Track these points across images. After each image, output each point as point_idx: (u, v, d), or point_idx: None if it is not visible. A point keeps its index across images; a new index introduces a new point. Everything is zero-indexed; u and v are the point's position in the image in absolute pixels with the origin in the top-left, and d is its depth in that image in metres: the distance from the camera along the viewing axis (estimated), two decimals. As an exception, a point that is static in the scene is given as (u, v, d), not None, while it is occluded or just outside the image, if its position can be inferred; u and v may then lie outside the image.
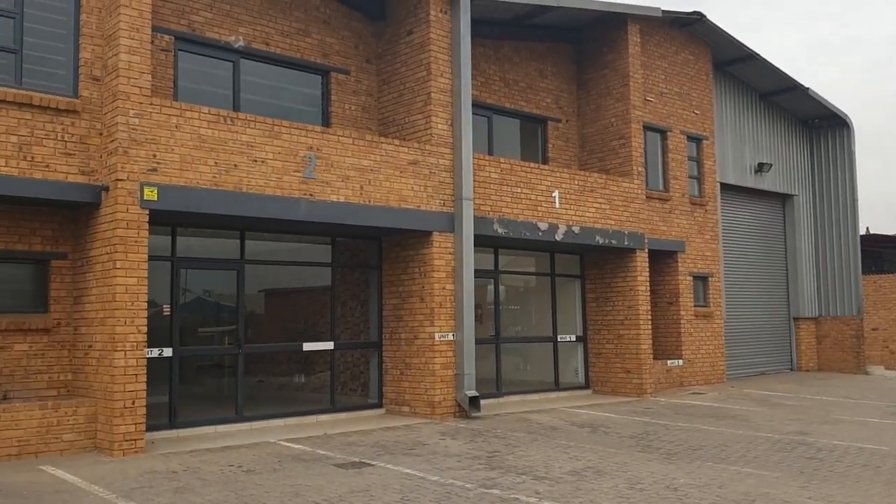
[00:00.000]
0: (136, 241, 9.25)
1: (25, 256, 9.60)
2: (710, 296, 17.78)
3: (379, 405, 12.64)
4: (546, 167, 14.16)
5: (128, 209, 9.22)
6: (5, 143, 8.94)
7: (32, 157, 9.11)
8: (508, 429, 11.08)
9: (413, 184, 11.90)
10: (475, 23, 12.98)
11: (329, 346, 12.37)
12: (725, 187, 18.93)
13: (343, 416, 12.12)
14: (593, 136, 15.90)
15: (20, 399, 9.25)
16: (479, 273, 12.81)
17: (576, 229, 14.10)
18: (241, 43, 11.61)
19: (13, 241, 9.48)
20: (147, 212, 9.37)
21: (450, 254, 12.23)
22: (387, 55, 13.02)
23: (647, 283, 15.27)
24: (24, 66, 9.28)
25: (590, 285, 15.85)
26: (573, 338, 15.73)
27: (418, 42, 12.44)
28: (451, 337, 12.09)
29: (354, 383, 13.19)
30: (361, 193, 11.28)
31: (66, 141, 9.37)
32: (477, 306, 12.66)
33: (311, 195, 10.76)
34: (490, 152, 14.48)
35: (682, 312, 16.98)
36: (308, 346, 12.33)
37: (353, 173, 11.22)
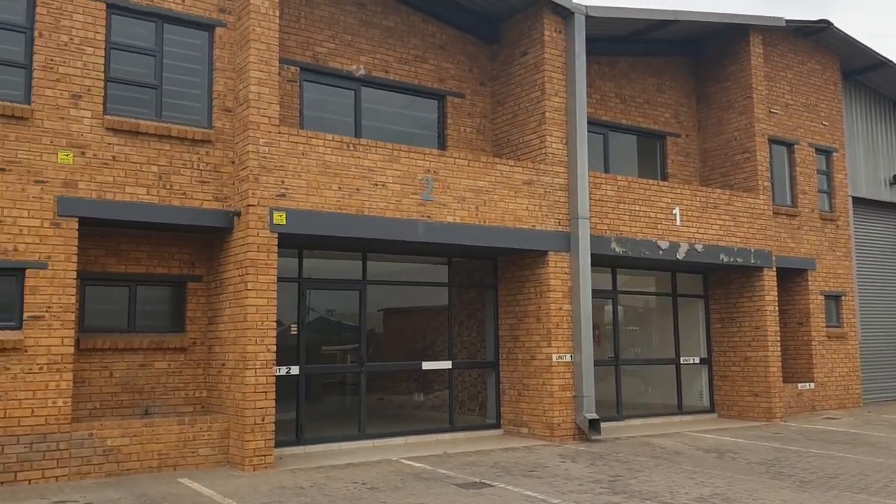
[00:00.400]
0: (266, 264, 9.67)
1: (165, 279, 10.22)
2: (844, 315, 16.81)
3: (497, 425, 12.63)
4: (665, 184, 13.84)
5: (258, 233, 9.66)
6: (147, 173, 9.57)
7: (171, 186, 9.71)
8: (630, 453, 10.82)
9: (528, 203, 11.90)
10: (590, 40, 12.90)
11: (447, 365, 12.49)
12: (858, 201, 17.92)
13: (461, 435, 12.18)
14: (715, 151, 15.44)
15: (160, 414, 9.81)
16: (596, 293, 12.63)
17: (698, 247, 13.69)
18: (362, 71, 12.00)
19: (154, 265, 10.11)
20: (276, 235, 9.80)
21: (566, 273, 12.12)
22: (501, 76, 13.13)
23: (776, 303, 14.62)
24: (163, 101, 9.91)
25: (714, 305, 15.32)
26: (696, 360, 15.22)
27: (532, 62, 12.47)
28: (568, 358, 11.96)
29: (472, 403, 13.24)
30: (477, 214, 11.38)
31: (201, 169, 9.93)
32: (594, 327, 12.46)
33: (428, 217, 10.95)
34: (606, 170, 14.30)
35: (814, 333, 16.13)
36: (427, 365, 12.49)
37: (468, 194, 11.34)
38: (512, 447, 11.24)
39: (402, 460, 10.14)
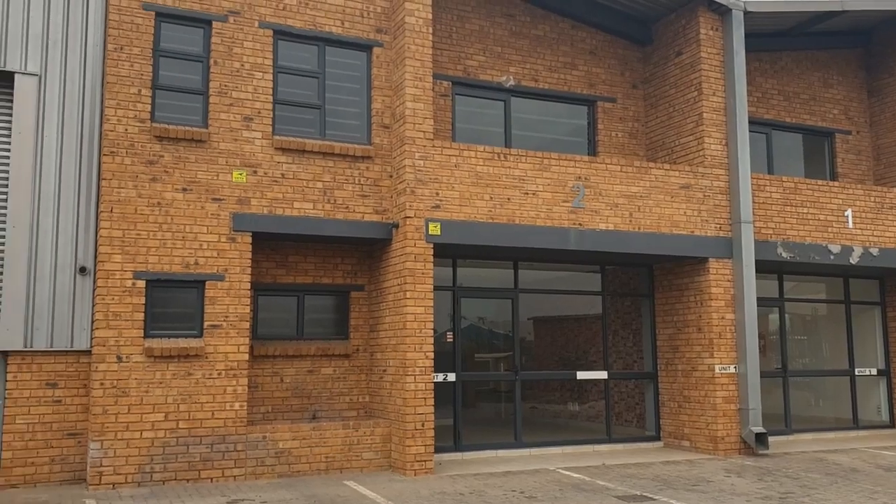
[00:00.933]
0: (423, 273, 9.92)
1: (329, 289, 10.70)
2: None
3: (656, 438, 12.28)
4: (836, 184, 12.98)
5: (415, 243, 9.94)
6: (312, 189, 10.07)
7: (335, 200, 10.16)
8: (801, 469, 10.20)
9: (685, 208, 11.52)
10: (749, 36, 12.35)
11: (603, 375, 12.29)
12: None
13: (619, 447, 11.94)
14: (891, 148, 14.32)
15: (326, 418, 10.27)
16: (761, 301, 12.02)
17: (874, 251, 12.74)
18: (512, 82, 12.08)
19: (319, 275, 10.62)
20: (432, 245, 10.04)
21: (728, 281, 11.63)
22: (654, 78, 12.81)
23: (966, 310, 13.35)
24: (326, 120, 10.41)
25: (892, 313, 14.19)
26: (874, 371, 14.14)
27: (688, 62, 12.09)
28: (732, 369, 11.45)
29: (630, 414, 12.95)
30: (630, 221, 11.15)
31: (361, 184, 10.34)
32: (760, 337, 11.87)
33: (580, 224, 10.84)
34: (769, 171, 13.60)
35: None
36: (582, 375, 12.35)
37: (621, 200, 11.14)
38: (673, 460, 10.89)
39: (560, 470, 10.07)
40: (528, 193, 10.66)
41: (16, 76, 9.18)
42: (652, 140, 12.80)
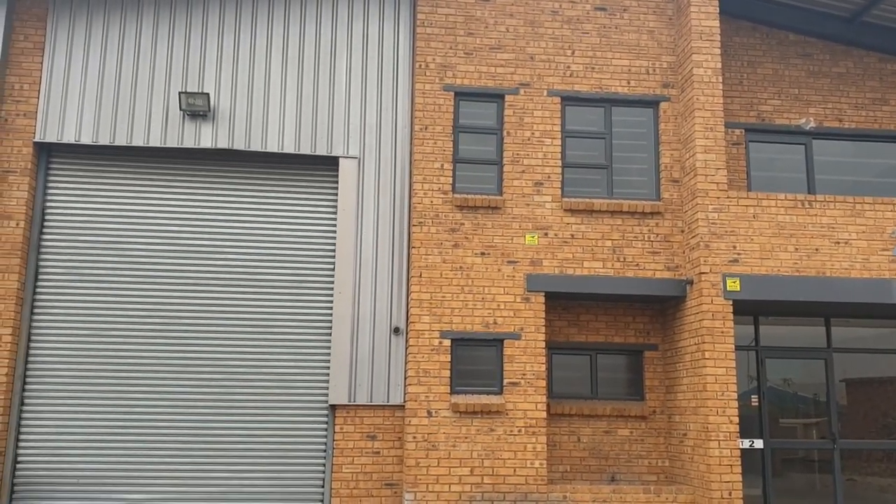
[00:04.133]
0: (722, 332, 9.47)
1: (622, 348, 10.59)
2: None
3: None
4: None
5: (712, 300, 9.54)
6: (601, 248, 10.12)
7: (624, 258, 10.12)
8: None
9: None
10: None
11: (941, 446, 10.73)
12: None
13: (968, 531, 10.27)
14: None
15: (625, 482, 10.06)
16: None
17: None
18: (813, 124, 11.30)
19: (611, 334, 10.57)
20: (731, 302, 9.57)
21: None
22: None
23: None
24: (613, 178, 10.47)
25: None
26: None
27: None
28: None
29: (978, 493, 11.11)
30: (970, 269, 9.77)
31: (651, 241, 10.20)
32: None
33: (905, 275, 9.72)
34: None
35: None
36: (913, 445, 10.88)
37: (956, 246, 9.81)
38: None
39: (896, 554, 8.88)
40: (838, 243, 9.81)
41: (340, 160, 10.43)
42: None
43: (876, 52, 11.54)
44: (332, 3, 10.76)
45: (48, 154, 10.25)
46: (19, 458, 9.58)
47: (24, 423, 9.65)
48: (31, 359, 9.80)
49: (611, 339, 10.58)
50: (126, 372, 9.87)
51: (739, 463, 9.20)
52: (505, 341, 9.78)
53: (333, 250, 10.31)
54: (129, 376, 9.86)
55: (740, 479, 9.14)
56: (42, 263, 10.02)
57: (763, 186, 11.03)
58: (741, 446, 9.62)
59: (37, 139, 10.03)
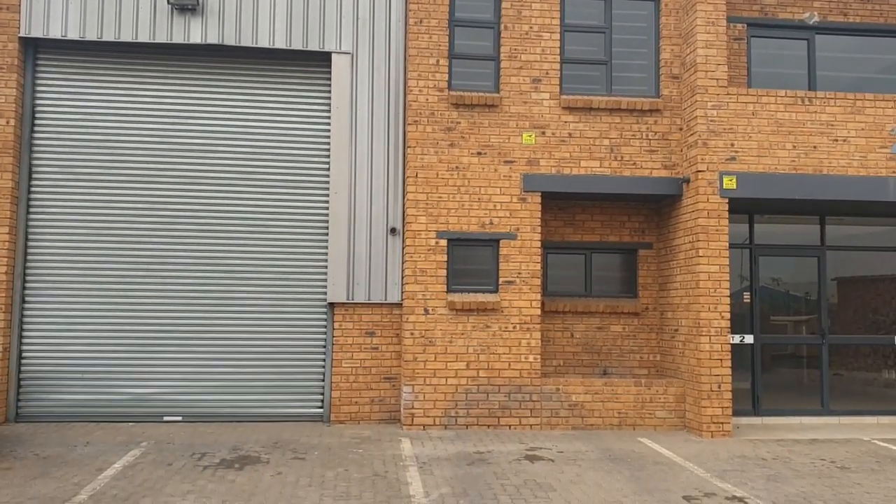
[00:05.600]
0: (716, 230, 9.52)
1: (616, 247, 10.67)
2: None
3: None
4: None
5: (708, 199, 9.55)
6: (599, 147, 10.05)
7: (621, 157, 10.06)
8: None
9: None
10: None
11: (926, 341, 10.98)
12: None
13: (947, 421, 10.63)
14: None
15: (616, 375, 10.33)
16: None
17: None
18: (816, 18, 11.00)
19: (606, 233, 10.62)
20: (726, 200, 9.58)
21: None
22: None
23: None
24: (612, 75, 10.28)
25: None
26: None
27: None
28: None
29: (959, 386, 11.44)
30: (968, 166, 9.74)
31: (649, 139, 10.11)
32: None
33: (902, 173, 9.70)
34: None
35: None
36: (900, 341, 11.13)
37: (956, 144, 9.75)
38: None
39: (876, 441, 9.23)
40: (837, 140, 9.74)
41: (332, 56, 10.19)
42: None
43: (887, -58, 11.14)
44: None
45: (35, 50, 10.01)
46: (24, 354, 9.78)
47: (25, 320, 9.80)
48: (29, 257, 9.86)
49: (606, 238, 10.64)
50: (126, 270, 9.96)
51: (729, 357, 9.42)
52: (501, 241, 9.83)
53: (328, 149, 10.22)
54: (129, 275, 9.96)
55: (730, 373, 9.39)
56: (35, 162, 9.95)
57: (764, 83, 10.84)
58: (732, 341, 9.83)
59: (22, 34, 9.78)
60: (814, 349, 10.97)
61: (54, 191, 9.95)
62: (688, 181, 9.85)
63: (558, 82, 10.04)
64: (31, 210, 9.90)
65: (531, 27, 10.04)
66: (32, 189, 9.92)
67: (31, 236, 9.88)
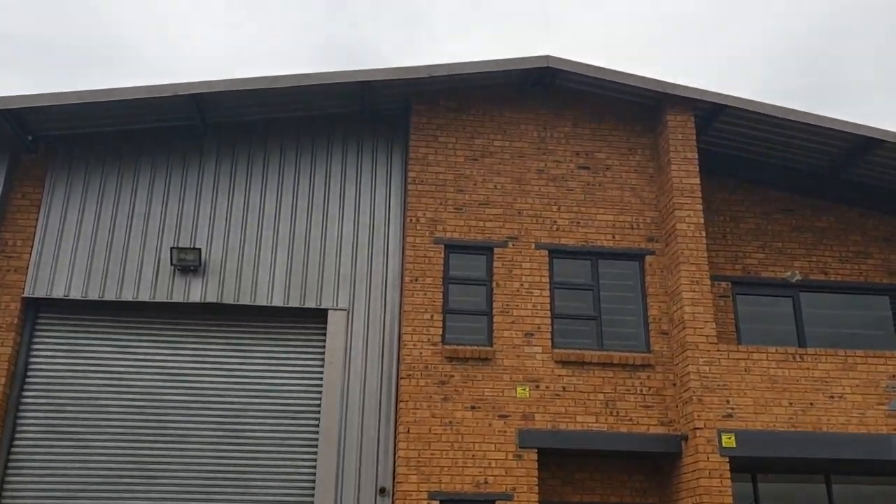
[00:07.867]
0: (720, 491, 9.15)
1: (618, 507, 10.19)
2: None
3: None
4: None
5: (708, 457, 9.28)
6: (594, 401, 9.94)
7: (617, 412, 9.92)
8: None
9: None
10: None
11: None
12: None
13: None
14: None
15: None
16: None
17: None
18: (798, 277, 11.45)
19: (606, 493, 10.17)
20: (727, 459, 9.30)
21: None
22: (968, 260, 11.45)
23: None
24: (602, 330, 10.43)
25: None
26: None
27: None
28: None
29: None
30: (969, 423, 9.59)
31: (643, 394, 10.04)
32: None
33: (902, 430, 9.53)
34: None
35: None
36: None
37: (952, 400, 9.68)
38: None
39: None
40: (832, 397, 9.70)
41: (329, 312, 10.40)
42: (977, 327, 11.21)
43: (856, 208, 11.87)
44: (325, 162, 11.12)
45: (36, 310, 10.21)
46: None
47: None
48: (1, 520, 9.38)
49: (607, 498, 10.18)
50: (101, 534, 9.41)
51: None
52: (497, 502, 9.39)
53: (319, 404, 10.09)
54: (103, 539, 9.40)
55: None
56: (20, 420, 9.75)
57: (752, 339, 11.01)
58: None
59: (25, 294, 10.04)
60: None
61: (35, 450, 9.66)
62: (686, 438, 9.64)
63: (550, 336, 10.16)
64: (10, 469, 9.55)
65: (522, 284, 10.37)
66: (13, 448, 9.64)
67: (5, 494, 9.45)
